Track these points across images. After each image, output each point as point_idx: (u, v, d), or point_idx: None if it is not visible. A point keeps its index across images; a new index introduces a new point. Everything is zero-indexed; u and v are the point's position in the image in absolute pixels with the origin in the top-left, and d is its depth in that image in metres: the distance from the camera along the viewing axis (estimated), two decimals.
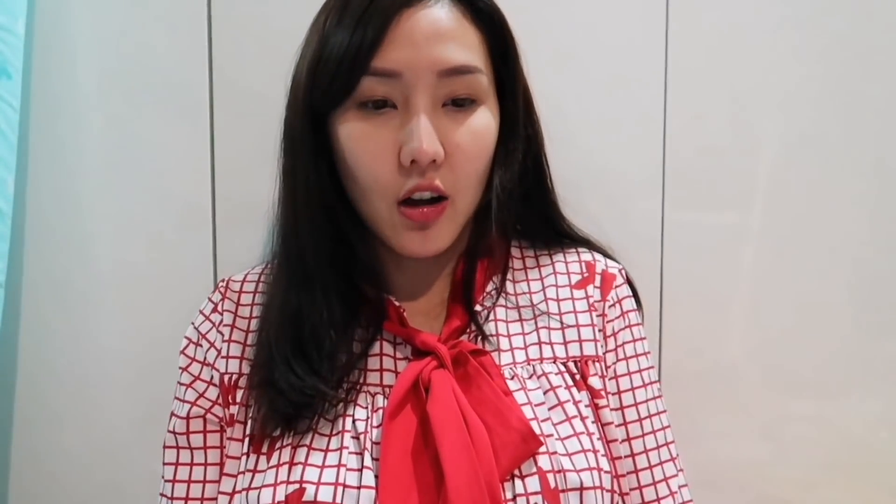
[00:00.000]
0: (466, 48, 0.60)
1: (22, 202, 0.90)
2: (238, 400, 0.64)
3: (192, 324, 0.69)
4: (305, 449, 0.59)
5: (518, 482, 0.58)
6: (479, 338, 0.66)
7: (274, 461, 0.59)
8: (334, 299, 0.63)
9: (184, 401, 0.67)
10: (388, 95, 0.59)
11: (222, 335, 0.67)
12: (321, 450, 0.59)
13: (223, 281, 0.71)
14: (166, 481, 0.66)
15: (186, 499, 0.65)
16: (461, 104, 0.61)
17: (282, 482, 0.58)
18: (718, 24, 0.94)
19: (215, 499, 0.64)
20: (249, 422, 0.63)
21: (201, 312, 0.70)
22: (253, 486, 0.59)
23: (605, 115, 0.93)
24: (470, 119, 0.61)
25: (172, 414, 0.67)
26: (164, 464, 0.67)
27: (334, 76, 0.59)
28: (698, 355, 0.96)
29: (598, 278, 0.71)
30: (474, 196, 0.65)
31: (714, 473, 0.94)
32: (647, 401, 0.69)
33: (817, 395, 0.97)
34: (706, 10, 0.93)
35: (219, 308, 0.68)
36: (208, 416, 0.66)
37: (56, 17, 0.90)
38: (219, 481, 0.64)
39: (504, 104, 0.66)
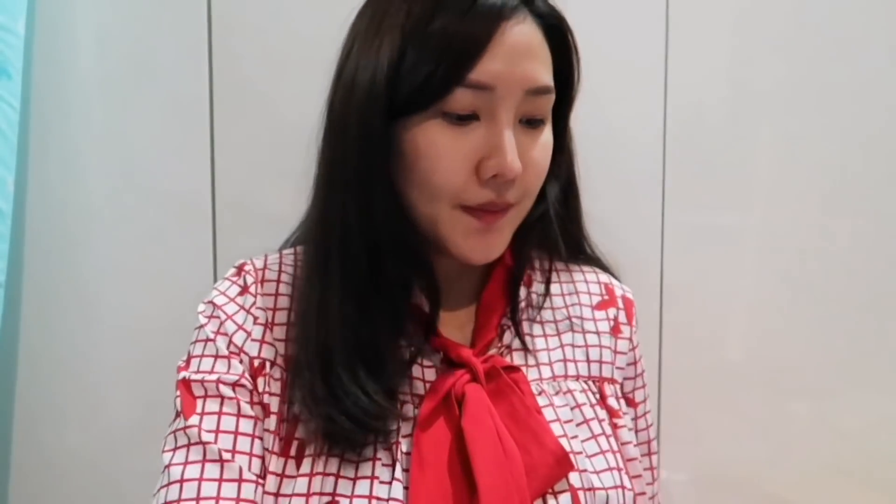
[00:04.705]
0: (547, 68, 0.60)
1: (22, 202, 0.90)
2: (262, 388, 0.60)
3: (212, 302, 0.64)
4: (337, 459, 0.58)
5: (551, 500, 0.58)
6: (508, 351, 0.65)
7: (305, 469, 0.57)
8: (400, 309, 0.61)
9: (229, 356, 0.60)
10: (476, 108, 0.58)
11: (254, 318, 0.63)
12: (353, 461, 0.58)
13: (248, 263, 0.67)
14: (205, 430, 0.58)
15: (234, 451, 0.58)
16: (533, 123, 0.61)
17: (315, 493, 0.56)
18: (718, 24, 0.94)
19: (262, 456, 0.59)
20: (285, 424, 0.60)
21: (224, 293, 0.64)
22: (282, 492, 0.57)
23: (605, 115, 0.93)
24: (540, 136, 0.61)
25: (205, 372, 0.60)
26: (205, 413, 0.58)
27: (425, 84, 0.56)
28: (698, 355, 0.96)
29: (619, 301, 0.72)
30: (530, 205, 0.64)
31: (714, 473, 0.94)
32: (653, 422, 0.73)
33: (817, 395, 0.97)
34: (706, 11, 0.93)
35: (251, 290, 0.64)
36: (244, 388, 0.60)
37: (56, 17, 0.90)
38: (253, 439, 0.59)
39: (557, 119, 0.65)
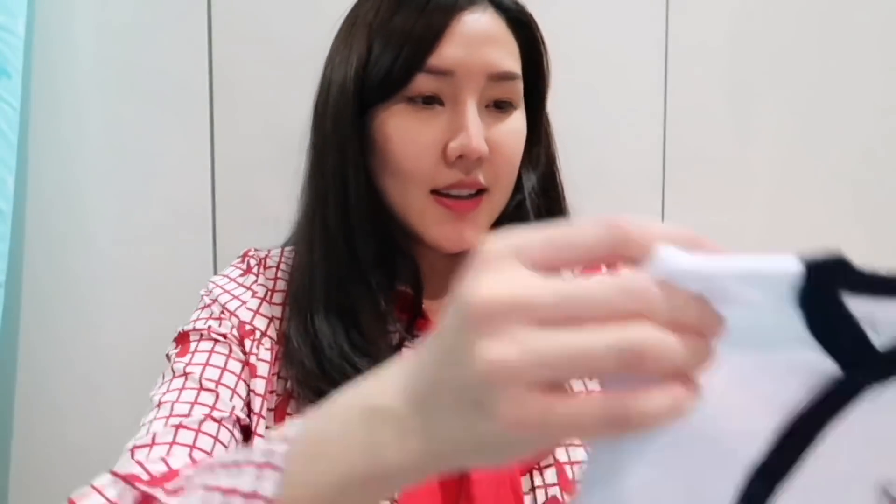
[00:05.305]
0: (511, 55, 0.63)
1: (22, 202, 0.90)
2: (248, 348, 0.62)
3: (213, 281, 0.67)
4: None
5: (537, 475, 0.59)
6: None
7: None
8: (382, 296, 0.63)
9: (220, 318, 0.63)
10: (439, 92, 0.61)
11: (253, 292, 0.66)
12: None
13: (251, 250, 0.71)
14: (192, 364, 0.60)
15: (217, 382, 0.60)
16: (502, 107, 0.63)
17: None
18: (718, 24, 0.94)
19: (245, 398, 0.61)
20: (275, 396, 0.62)
21: (227, 276, 0.68)
22: None
23: (605, 115, 0.93)
24: (509, 120, 0.64)
25: (203, 332, 0.63)
26: (196, 351, 0.61)
27: (389, 72, 0.60)
28: None
29: (603, 269, 0.72)
30: (507, 195, 0.66)
31: None
32: None
33: None
34: (706, 12, 0.93)
35: (253, 271, 0.68)
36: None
37: (56, 17, 0.90)
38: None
39: (530, 110, 0.67)
